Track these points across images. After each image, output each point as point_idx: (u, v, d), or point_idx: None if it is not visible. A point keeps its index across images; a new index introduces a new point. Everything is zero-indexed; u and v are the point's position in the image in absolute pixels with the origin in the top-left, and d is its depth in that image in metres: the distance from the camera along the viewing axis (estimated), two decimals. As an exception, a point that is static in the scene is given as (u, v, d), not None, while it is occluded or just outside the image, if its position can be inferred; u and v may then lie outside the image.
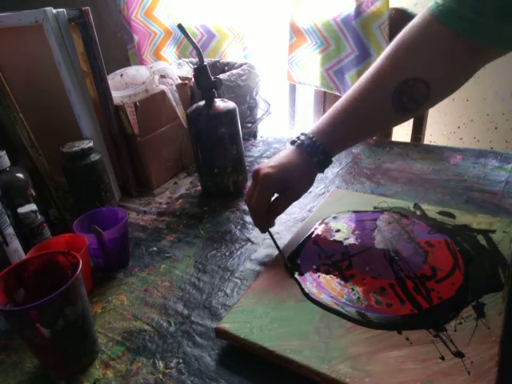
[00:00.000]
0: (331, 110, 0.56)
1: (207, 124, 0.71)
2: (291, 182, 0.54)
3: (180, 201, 0.77)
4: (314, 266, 0.51)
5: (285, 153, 0.56)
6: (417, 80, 0.50)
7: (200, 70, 0.69)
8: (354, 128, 0.55)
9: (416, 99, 0.51)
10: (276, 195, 0.56)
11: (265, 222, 0.56)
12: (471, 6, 0.44)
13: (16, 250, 0.55)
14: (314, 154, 0.54)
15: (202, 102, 0.72)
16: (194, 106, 0.72)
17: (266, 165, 0.54)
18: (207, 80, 0.69)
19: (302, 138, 0.55)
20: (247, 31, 1.20)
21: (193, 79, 0.85)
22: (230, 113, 0.71)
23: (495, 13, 0.43)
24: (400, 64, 0.51)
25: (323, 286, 0.48)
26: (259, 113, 1.01)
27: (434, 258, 0.50)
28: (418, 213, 0.59)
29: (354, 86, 0.55)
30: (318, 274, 0.50)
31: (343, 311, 0.44)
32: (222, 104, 0.71)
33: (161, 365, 0.44)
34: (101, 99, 0.72)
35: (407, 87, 0.50)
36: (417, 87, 0.50)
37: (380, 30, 1.02)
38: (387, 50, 0.52)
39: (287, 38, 1.21)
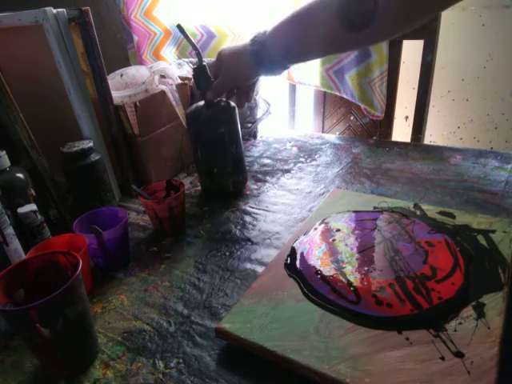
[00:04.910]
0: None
1: (207, 124, 0.71)
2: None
3: (180, 201, 0.77)
4: (314, 267, 0.51)
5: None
6: None
7: (199, 70, 0.69)
8: (299, 32, 0.58)
9: (363, 13, 0.50)
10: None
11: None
12: None
13: (16, 249, 0.55)
14: (253, 43, 0.61)
15: (202, 102, 0.72)
16: (194, 106, 0.72)
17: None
18: (207, 80, 0.69)
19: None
20: (247, 31, 1.20)
21: (192, 79, 0.85)
22: (229, 113, 0.71)
23: None
24: None
25: (322, 284, 0.48)
26: (259, 113, 1.01)
27: (434, 257, 0.50)
28: (418, 213, 0.59)
29: None
30: (318, 273, 0.50)
31: (343, 311, 0.44)
32: (221, 104, 0.71)
33: (161, 365, 0.44)
34: (101, 99, 0.72)
35: None
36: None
37: (380, 30, 1.02)
38: None
39: (287, 37, 1.21)
